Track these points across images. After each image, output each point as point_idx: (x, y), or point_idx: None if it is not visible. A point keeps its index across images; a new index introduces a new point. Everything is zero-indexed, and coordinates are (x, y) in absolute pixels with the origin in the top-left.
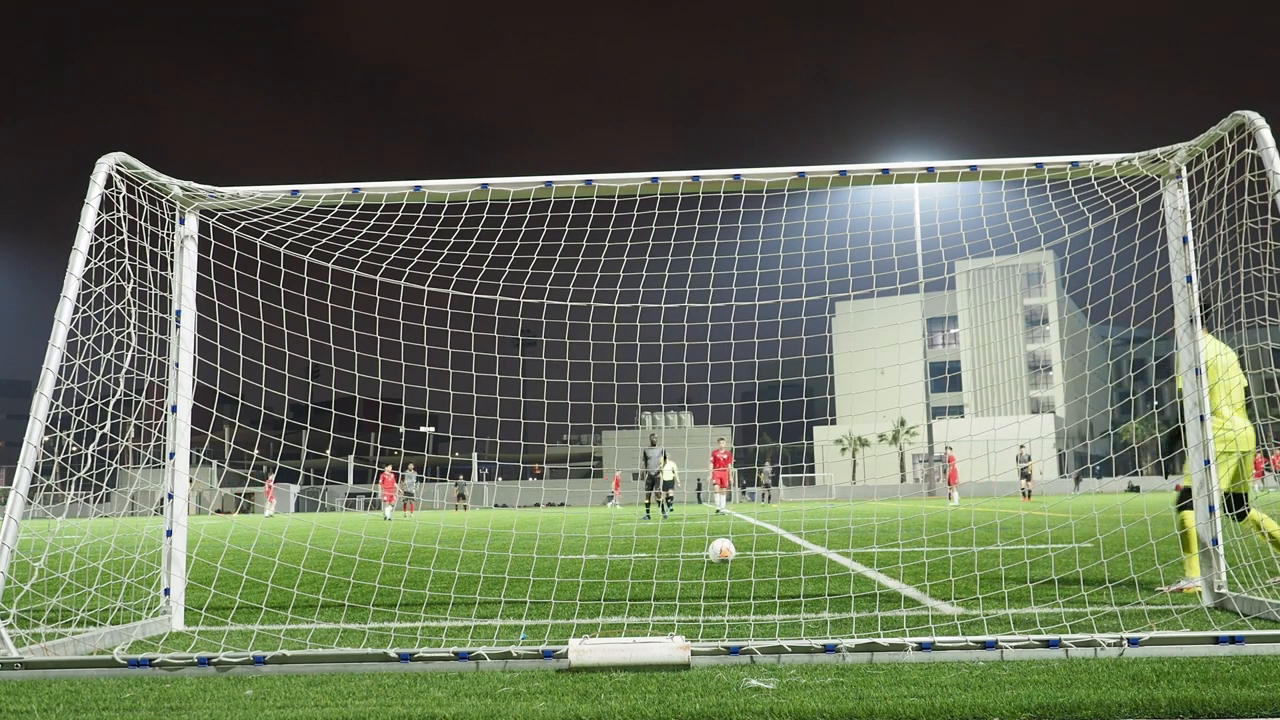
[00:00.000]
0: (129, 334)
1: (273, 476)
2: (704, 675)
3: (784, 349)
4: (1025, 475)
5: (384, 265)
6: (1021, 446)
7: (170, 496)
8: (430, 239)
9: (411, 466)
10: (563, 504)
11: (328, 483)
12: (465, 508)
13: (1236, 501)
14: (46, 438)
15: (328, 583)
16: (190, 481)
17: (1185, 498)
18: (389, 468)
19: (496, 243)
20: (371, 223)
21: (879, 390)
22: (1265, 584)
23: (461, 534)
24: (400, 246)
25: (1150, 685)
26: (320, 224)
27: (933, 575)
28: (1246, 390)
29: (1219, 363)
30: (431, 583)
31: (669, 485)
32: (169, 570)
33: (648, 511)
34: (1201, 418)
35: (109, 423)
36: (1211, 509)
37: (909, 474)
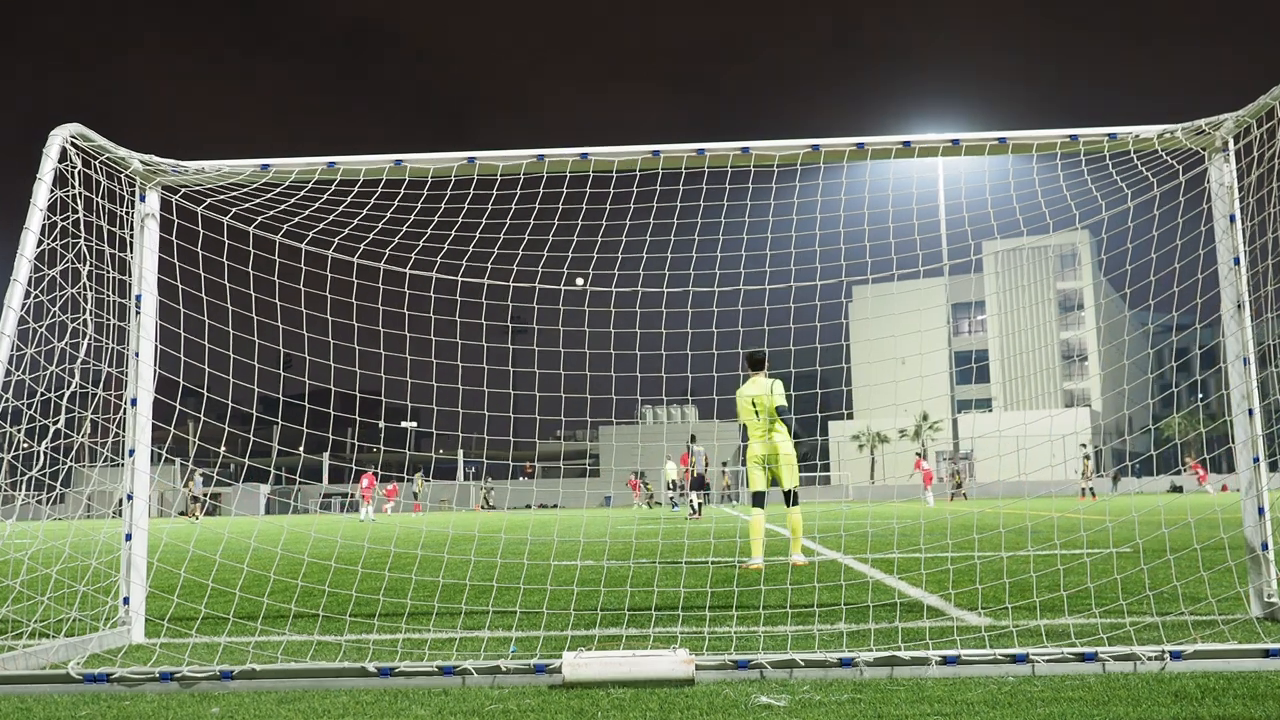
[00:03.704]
0: (85, 321)
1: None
2: (710, 691)
3: (796, 337)
4: (1089, 474)
5: (362, 246)
6: (1084, 445)
7: (130, 497)
8: (412, 218)
9: (420, 472)
10: (556, 505)
11: (301, 483)
12: (489, 507)
13: None
14: None
15: (301, 591)
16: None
17: None
18: (371, 469)
19: (484, 221)
20: (348, 200)
21: (900, 382)
22: None
23: (446, 538)
24: (379, 226)
25: (1195, 702)
26: (292, 201)
27: (958, 582)
28: None
29: None
30: (413, 591)
31: (671, 485)
32: (128, 578)
33: (695, 509)
34: (1251, 412)
35: (63, 417)
36: (1261, 511)
37: (932, 472)
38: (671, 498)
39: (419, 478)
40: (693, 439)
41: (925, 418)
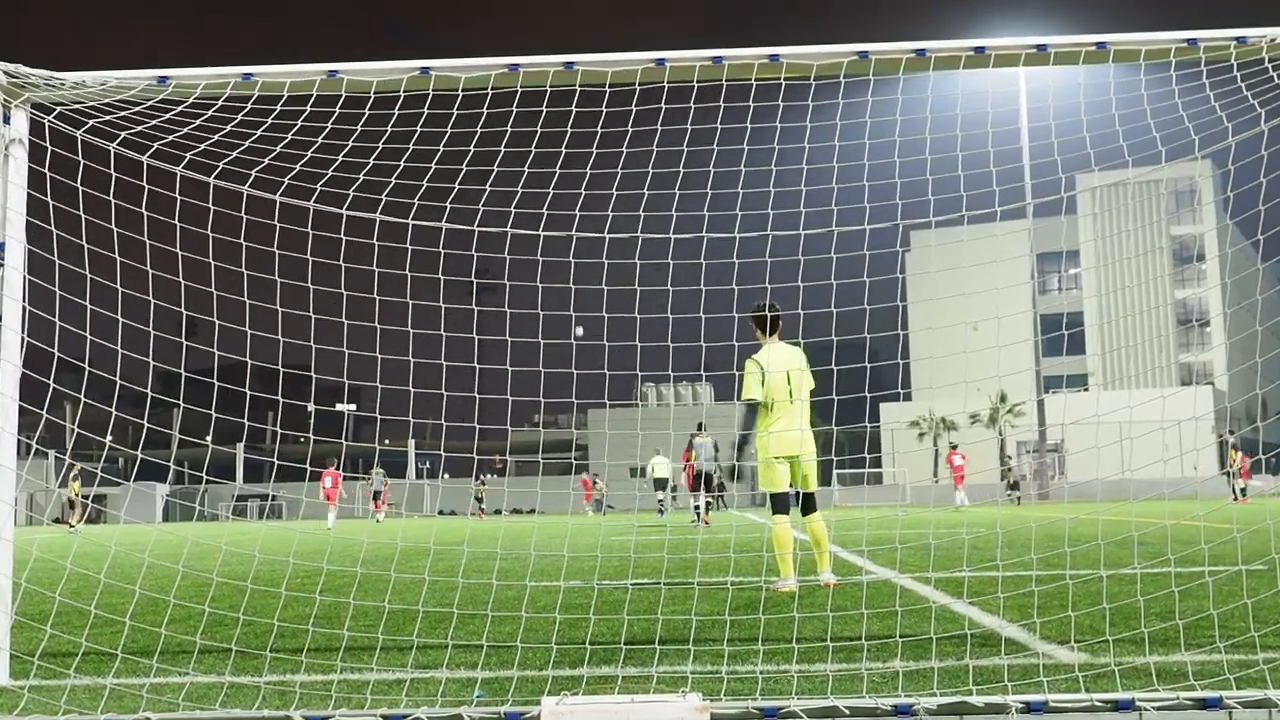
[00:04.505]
0: None
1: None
2: None
3: (839, 297)
4: (1243, 469)
5: (286, 181)
6: (1231, 432)
7: None
8: (350, 144)
9: (380, 469)
10: (533, 511)
11: (209, 482)
12: (482, 512)
13: None
14: None
15: (208, 619)
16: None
17: None
18: (334, 465)
19: (441, 149)
20: (269, 122)
21: (970, 354)
22: None
23: (393, 552)
24: (308, 155)
25: None
26: (198, 124)
27: (1045, 609)
28: None
29: None
30: (352, 619)
31: (660, 485)
32: None
33: (697, 516)
34: None
35: None
36: None
37: (1013, 468)
38: (660, 501)
39: (378, 473)
40: (699, 427)
41: (1003, 399)
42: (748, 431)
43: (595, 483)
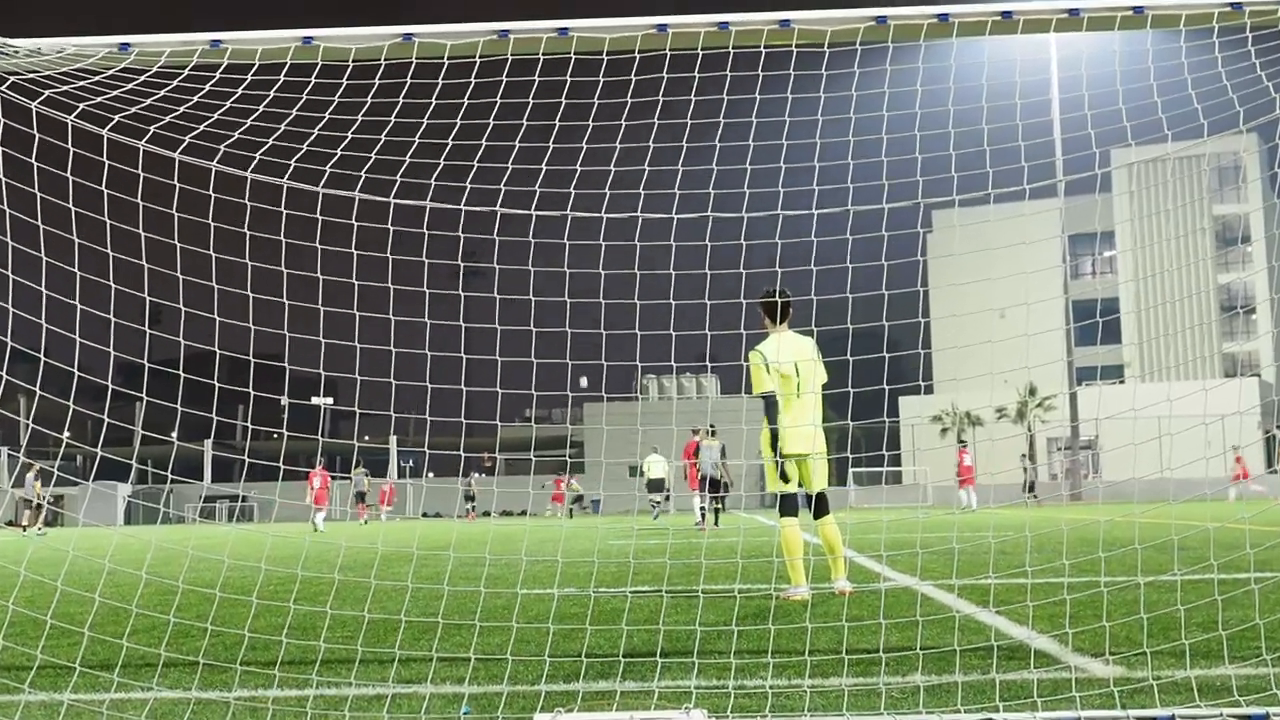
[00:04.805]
0: None
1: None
2: None
3: (854, 281)
4: None
5: (257, 157)
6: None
7: None
8: (327, 117)
9: (361, 464)
10: (524, 513)
11: (174, 481)
12: (471, 513)
13: None
14: None
15: (174, 630)
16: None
17: None
18: (322, 463)
19: (425, 123)
20: (239, 92)
21: (997, 343)
22: None
23: (374, 557)
24: (281, 129)
25: None
26: (162, 94)
27: (1078, 619)
28: None
29: None
30: (329, 630)
31: (655, 486)
32: None
33: (702, 518)
34: None
35: None
36: None
37: (1043, 467)
38: (654, 503)
39: (360, 473)
40: (710, 431)
41: (1033, 392)
42: (776, 427)
43: (571, 483)
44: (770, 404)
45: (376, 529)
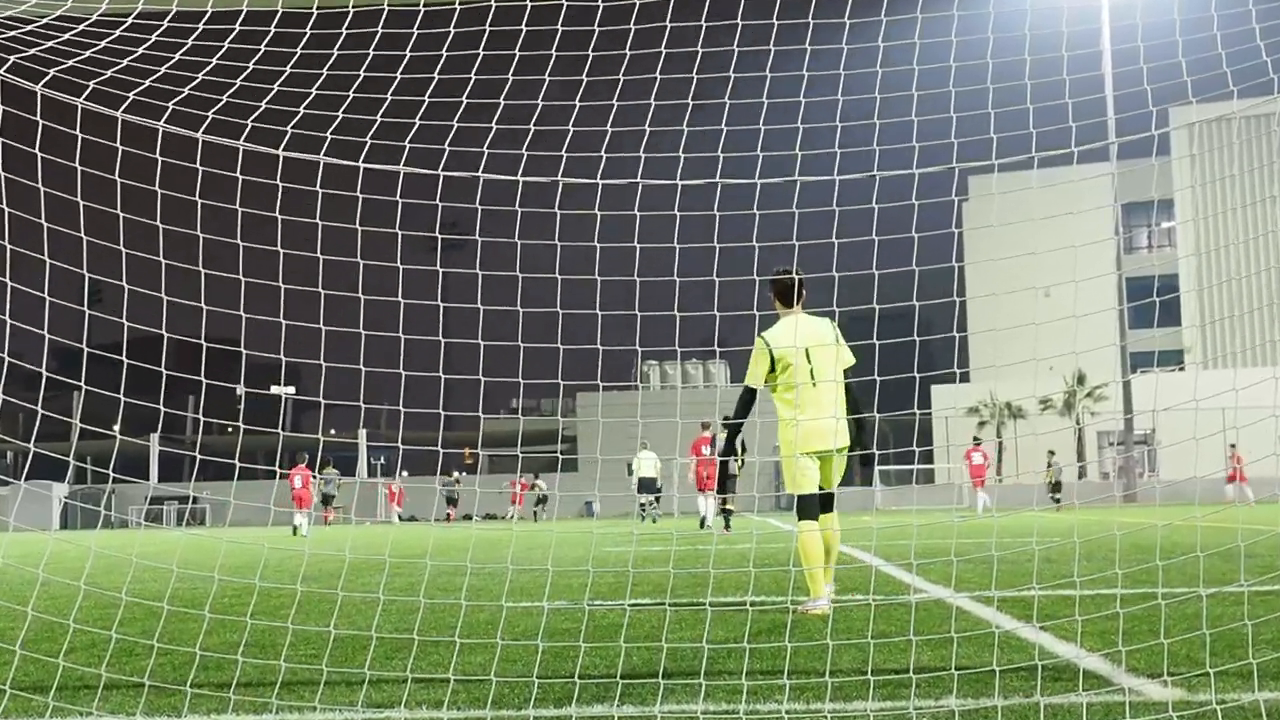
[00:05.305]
0: None
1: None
2: None
3: (880, 255)
4: None
5: (210, 115)
6: None
7: None
8: (288, 71)
9: (331, 463)
10: (510, 516)
11: (116, 480)
12: (451, 515)
13: None
14: None
15: (116, 647)
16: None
17: None
18: (303, 461)
19: (398, 77)
20: (189, 43)
21: (1041, 325)
22: None
23: (340, 566)
24: (237, 84)
25: None
26: (103, 45)
27: (1132, 635)
28: None
29: None
30: (290, 647)
31: (646, 486)
32: None
33: (727, 522)
34: None
35: None
36: None
37: (1092, 464)
38: (643, 506)
39: (333, 474)
40: (728, 428)
41: (1081, 380)
42: (738, 421)
43: (534, 484)
44: (745, 399)
45: (344, 533)
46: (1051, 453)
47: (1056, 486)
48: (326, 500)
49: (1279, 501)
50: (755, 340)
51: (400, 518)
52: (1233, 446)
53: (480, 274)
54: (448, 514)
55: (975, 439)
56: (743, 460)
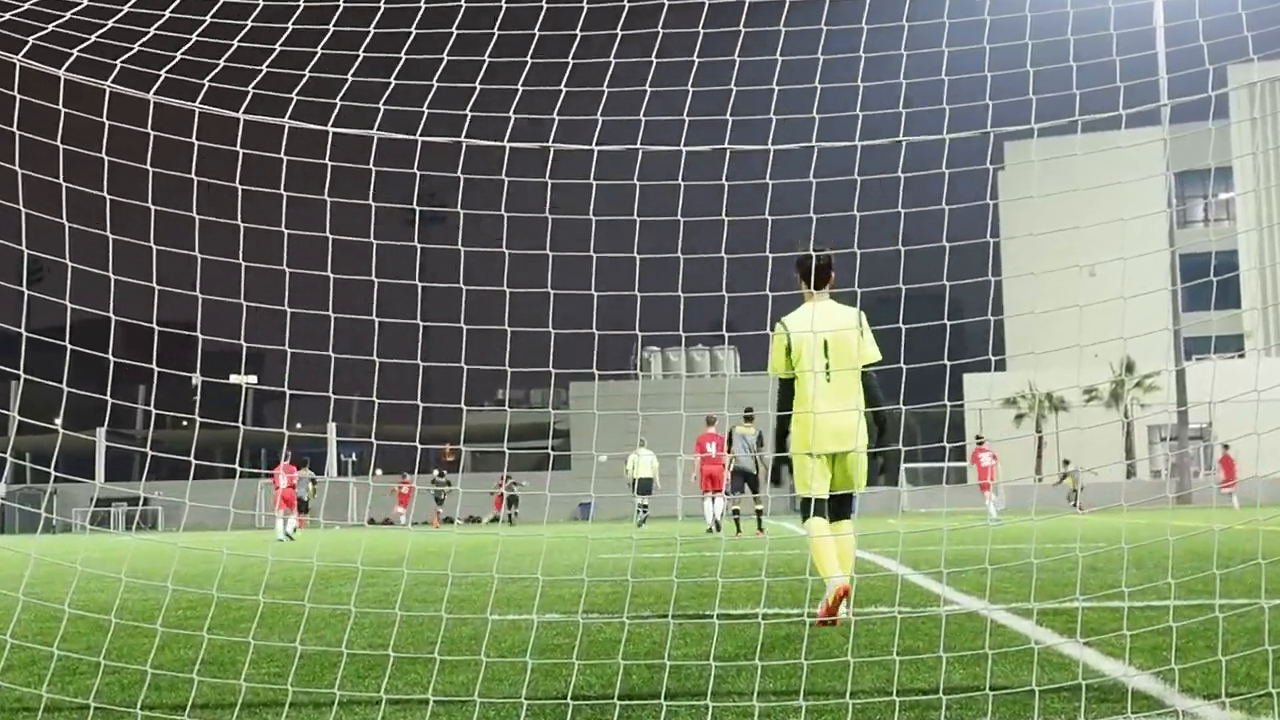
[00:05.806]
0: None
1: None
2: None
3: (907, 231)
4: None
5: (163, 74)
6: None
7: None
8: (249, 25)
9: (307, 464)
10: (496, 519)
11: (59, 479)
12: (437, 516)
13: None
14: None
15: (58, 666)
16: None
17: None
18: (287, 458)
19: (373, 31)
20: None
21: (1085, 307)
22: None
23: (307, 575)
24: (193, 39)
25: None
26: None
27: (1187, 652)
28: None
29: None
30: (252, 664)
31: (642, 487)
32: None
33: (715, 524)
34: None
35: None
36: None
37: (1142, 462)
38: (642, 507)
39: (307, 476)
40: (745, 417)
41: (1130, 369)
42: (784, 414)
43: (520, 483)
44: (781, 392)
45: (312, 538)
46: (1066, 461)
47: (1074, 495)
48: (301, 506)
49: None
50: (781, 332)
51: (411, 521)
52: (1225, 446)
53: (462, 250)
54: (436, 513)
55: (978, 438)
56: (734, 459)
